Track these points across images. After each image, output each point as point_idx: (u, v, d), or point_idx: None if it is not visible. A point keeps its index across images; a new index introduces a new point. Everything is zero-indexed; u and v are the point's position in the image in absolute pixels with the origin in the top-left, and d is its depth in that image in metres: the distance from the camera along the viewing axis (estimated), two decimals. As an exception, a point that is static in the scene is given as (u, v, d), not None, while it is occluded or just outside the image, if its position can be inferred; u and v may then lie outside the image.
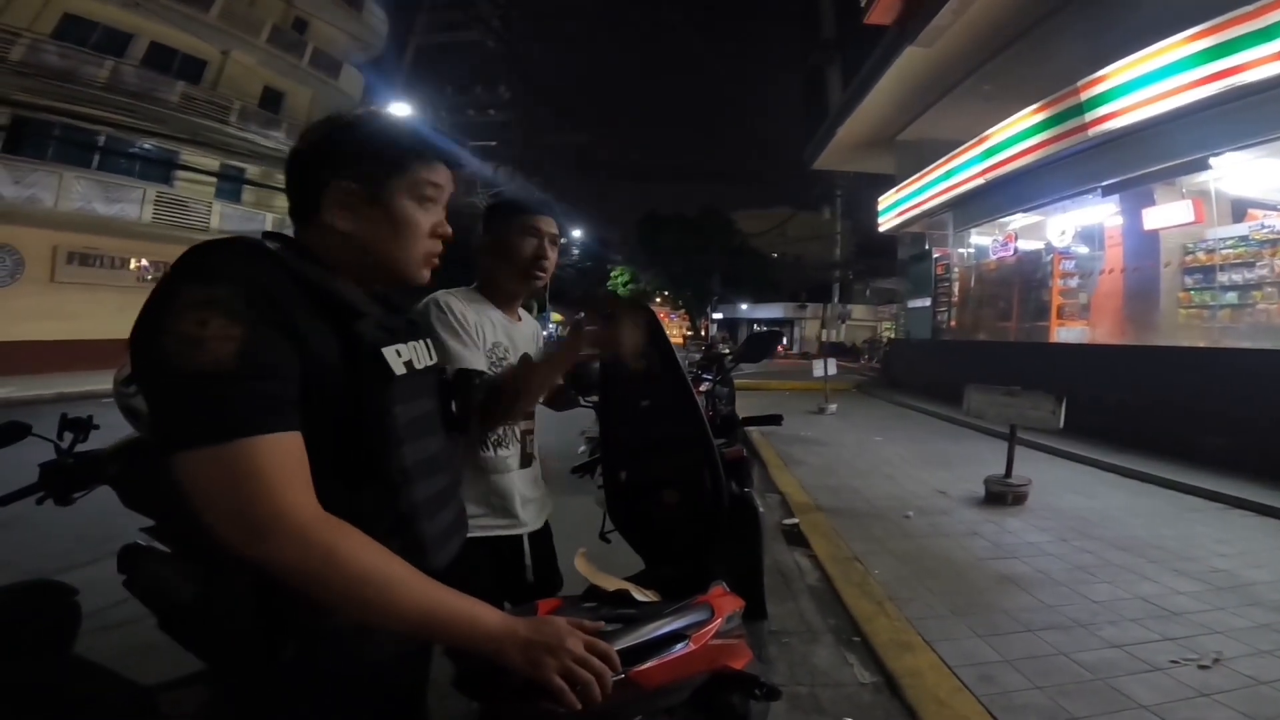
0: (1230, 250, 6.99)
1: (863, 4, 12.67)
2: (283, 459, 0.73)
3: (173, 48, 17.13)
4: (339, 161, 0.91)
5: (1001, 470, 4.83)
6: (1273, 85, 5.75)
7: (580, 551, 1.34)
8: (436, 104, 20.34)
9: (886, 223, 14.78)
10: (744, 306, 45.80)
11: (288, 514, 0.72)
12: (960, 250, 12.76)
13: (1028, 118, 9.05)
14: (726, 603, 1.26)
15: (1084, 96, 7.81)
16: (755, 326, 45.09)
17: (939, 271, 13.15)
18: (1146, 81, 6.90)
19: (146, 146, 15.74)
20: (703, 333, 40.35)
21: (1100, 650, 2.54)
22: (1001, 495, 4.73)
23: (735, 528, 1.94)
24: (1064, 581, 3.27)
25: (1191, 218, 7.31)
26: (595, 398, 1.81)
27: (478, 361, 1.45)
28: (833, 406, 10.12)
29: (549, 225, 1.61)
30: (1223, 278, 7.04)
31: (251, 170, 17.88)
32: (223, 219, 16.70)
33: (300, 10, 20.53)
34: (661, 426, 1.69)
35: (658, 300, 53.40)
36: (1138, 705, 2.15)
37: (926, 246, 14.06)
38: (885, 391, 13.15)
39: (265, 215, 18.03)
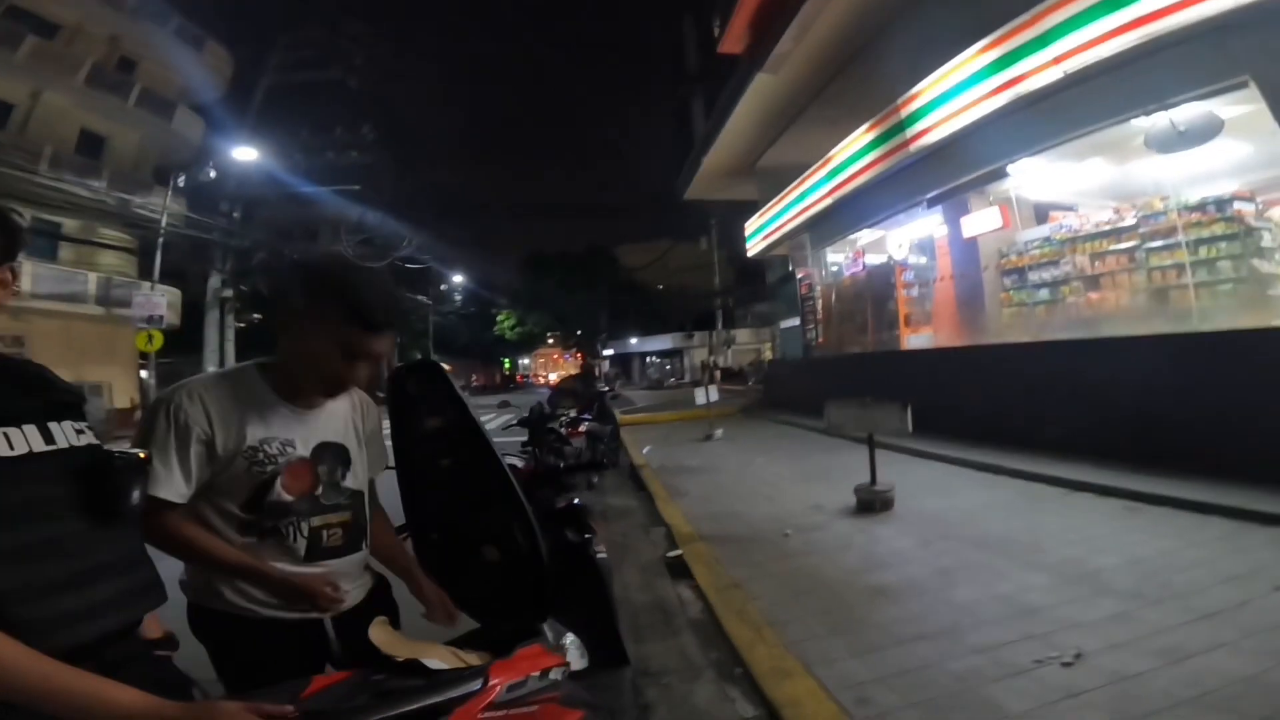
0: (1038, 251, 7.83)
1: (716, 34, 13.38)
2: None
3: None
4: None
5: (866, 478, 5.02)
6: (1053, 91, 6.33)
7: (377, 620, 1.27)
8: (291, 146, 19.11)
9: (754, 247, 15.51)
10: (634, 341, 46.47)
11: None
12: (820, 269, 13.58)
13: (861, 137, 9.80)
14: (528, 664, 1.12)
15: (904, 113, 8.53)
16: (647, 359, 45.91)
17: (803, 291, 13.91)
18: (950, 95, 7.61)
19: None
20: (596, 371, 40.45)
21: (967, 657, 2.56)
22: (870, 503, 4.89)
23: (574, 577, 1.85)
24: (930, 588, 3.34)
25: (1000, 223, 8.09)
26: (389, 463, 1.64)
27: (164, 488, 1.27)
28: (719, 432, 10.28)
29: (385, 345, 1.35)
30: (1034, 276, 7.85)
31: (69, 224, 15.93)
32: (35, 280, 14.62)
33: (127, 50, 18.94)
34: (466, 484, 1.57)
35: (549, 341, 52.99)
36: (1009, 716, 2.15)
37: (790, 268, 14.83)
38: (768, 411, 13.62)
39: (88, 274, 16.03)
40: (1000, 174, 7.68)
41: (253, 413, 1.34)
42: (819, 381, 11.60)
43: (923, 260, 10.39)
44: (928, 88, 8.01)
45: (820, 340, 13.49)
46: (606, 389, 8.24)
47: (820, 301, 13.54)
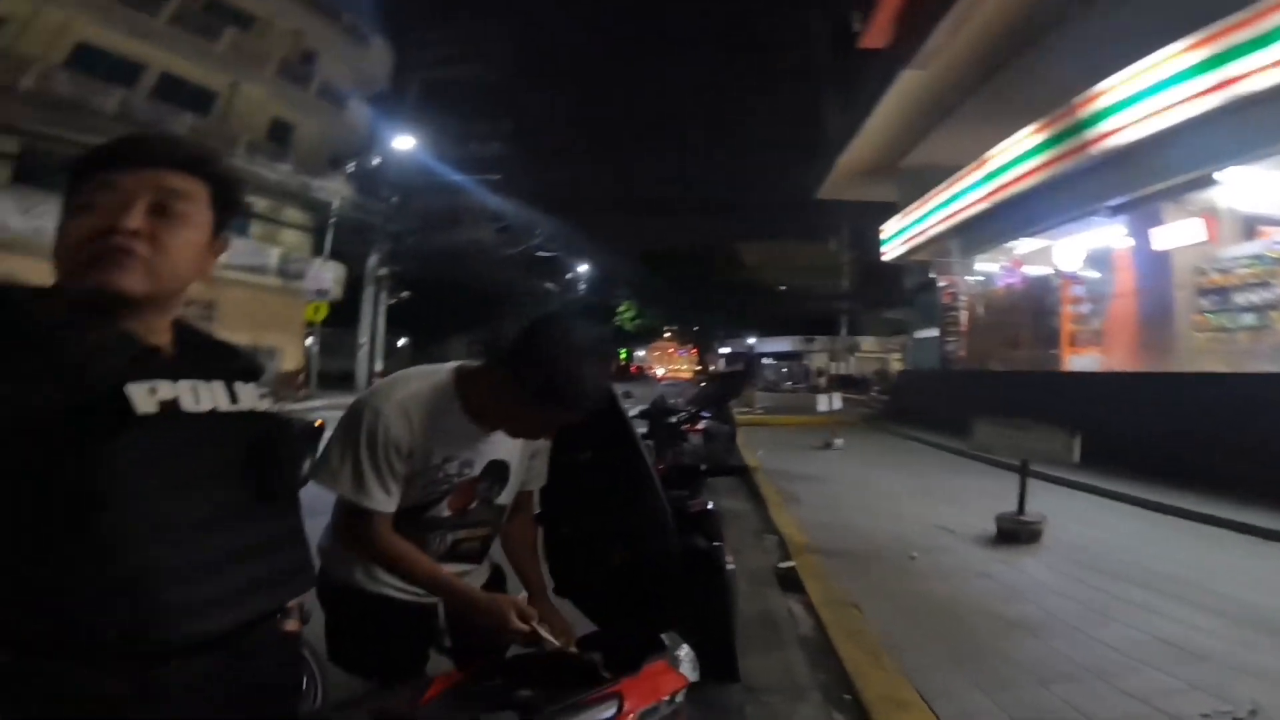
0: (1245, 269, 6.73)
1: (856, 29, 12.76)
2: None
3: (183, 79, 17.55)
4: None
5: (1013, 506, 4.53)
6: (1275, 95, 5.52)
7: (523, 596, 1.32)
8: (441, 137, 20.55)
9: (890, 251, 14.64)
10: (752, 341, 45.69)
11: None
12: (967, 278, 12.56)
13: (1028, 138, 8.91)
14: (656, 685, 1.06)
15: (1081, 114, 7.68)
16: (764, 360, 45.03)
17: (946, 300, 12.93)
18: (1144, 95, 6.74)
19: None
20: (710, 367, 40.19)
21: (1119, 703, 2.24)
22: (1013, 533, 4.41)
23: (699, 586, 1.73)
24: (1078, 625, 2.96)
25: (1203, 236, 7.08)
26: None
27: (374, 500, 1.28)
28: (839, 441, 9.80)
29: (575, 417, 1.32)
30: (1239, 298, 6.77)
31: (260, 204, 18.10)
32: (230, 253, 16.78)
33: (308, 43, 20.91)
34: (604, 480, 1.53)
35: (666, 335, 53.43)
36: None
37: (930, 275, 13.88)
38: (893, 424, 12.82)
39: (271, 249, 18.16)
40: (1206, 182, 6.68)
41: (444, 431, 1.35)
42: (956, 397, 10.74)
43: (1096, 274, 9.30)
44: (1115, 87, 7.14)
45: (961, 353, 12.49)
46: (731, 389, 8.05)
47: (965, 312, 12.54)
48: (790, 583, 3.79)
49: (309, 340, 16.26)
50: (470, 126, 23.27)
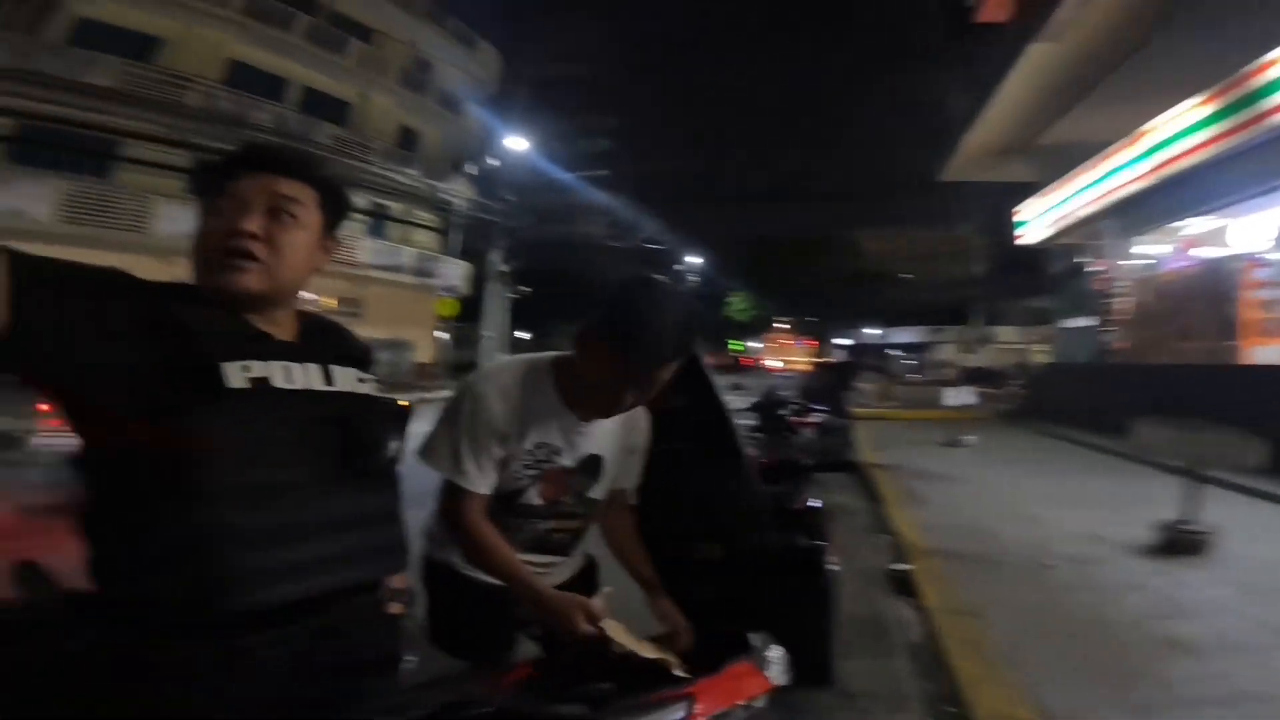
0: None
1: (970, 3, 11.70)
2: None
3: (321, 91, 19.24)
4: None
5: (1176, 513, 3.98)
6: None
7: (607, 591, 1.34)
8: (550, 135, 21.25)
9: (1029, 234, 13.36)
10: (873, 331, 43.54)
11: None
12: (1125, 262, 11.20)
13: (1193, 110, 7.85)
14: (736, 686, 1.06)
15: (1256, 83, 6.66)
16: (886, 352, 42.78)
17: (1099, 287, 11.61)
18: None
19: None
20: (825, 359, 38.85)
21: None
22: (1177, 543, 3.89)
23: (796, 586, 1.69)
24: (1249, 646, 2.59)
25: None
26: None
27: (470, 480, 1.31)
28: (971, 438, 9.08)
29: (668, 373, 1.30)
30: None
31: (394, 208, 19.62)
32: (372, 254, 18.37)
33: (423, 52, 22.12)
34: (696, 472, 1.50)
35: (779, 325, 52.14)
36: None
37: (1077, 260, 12.52)
38: (1034, 420, 11.70)
39: (404, 249, 19.63)
40: None
41: (538, 416, 1.35)
42: (1111, 392, 9.63)
43: (1281, 256, 8.01)
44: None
45: (1120, 344, 11.18)
46: (838, 380, 7.74)
47: (1124, 300, 11.21)
48: (903, 586, 3.56)
49: (441, 334, 17.43)
50: (578, 123, 23.82)
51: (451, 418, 1.34)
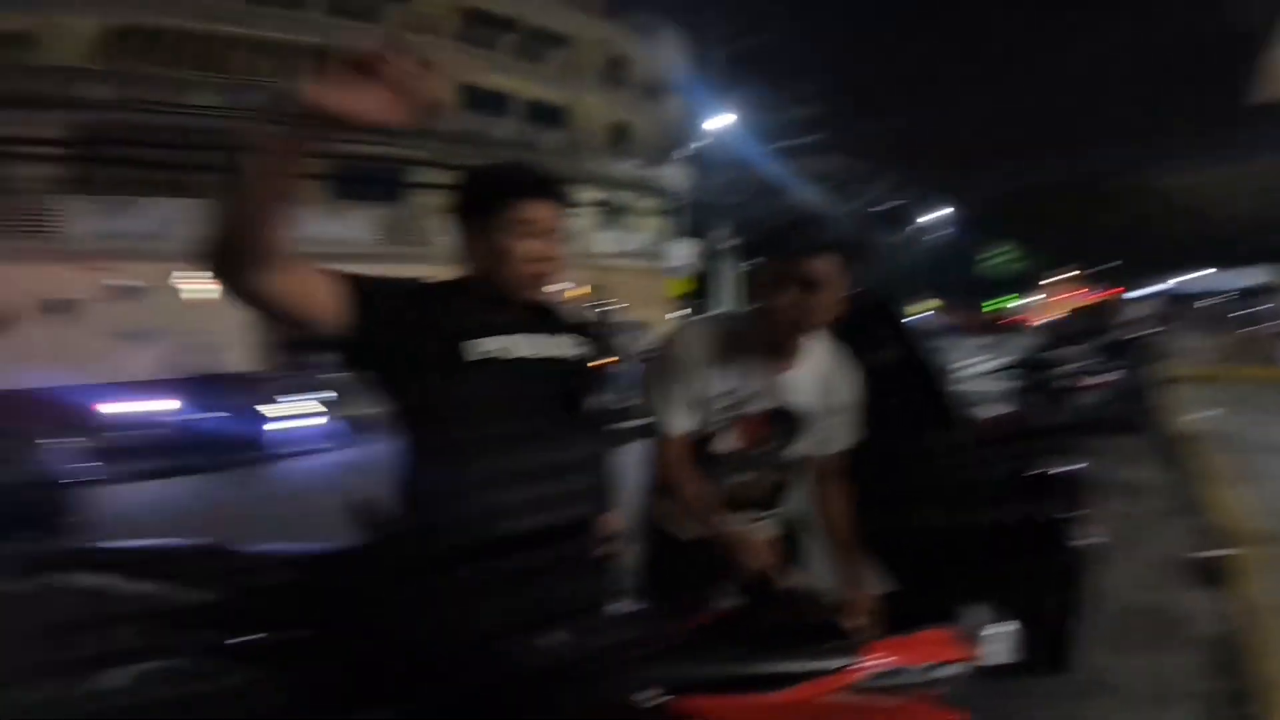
0: None
1: None
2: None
3: (537, 101, 20.92)
4: (459, 207, 1.24)
5: None
6: None
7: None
8: (756, 107, 20.64)
9: None
10: (1185, 277, 35.27)
11: None
12: None
13: None
14: (920, 651, 1.02)
15: None
16: (1198, 302, 34.37)
17: None
18: None
19: None
20: (1113, 310, 32.30)
21: None
22: None
23: (1031, 560, 1.56)
24: None
25: None
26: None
27: (669, 418, 1.42)
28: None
29: (820, 270, 1.33)
30: None
31: (622, 198, 20.87)
32: (609, 244, 19.88)
33: (613, 50, 23.02)
34: (907, 436, 1.46)
35: (1050, 279, 44.71)
36: None
37: None
38: None
39: (637, 235, 20.84)
40: None
41: (731, 361, 1.42)
42: None
43: None
44: None
45: None
46: (1135, 334, 6.54)
47: None
48: (1210, 577, 2.97)
49: (676, 313, 18.29)
50: (788, 91, 22.70)
51: (657, 367, 1.48)
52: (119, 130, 14.55)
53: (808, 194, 19.05)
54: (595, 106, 22.43)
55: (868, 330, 1.53)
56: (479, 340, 1.13)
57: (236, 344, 15.15)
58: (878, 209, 20.41)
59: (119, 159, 14.11)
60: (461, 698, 1.03)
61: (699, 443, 1.44)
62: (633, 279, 19.35)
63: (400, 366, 1.10)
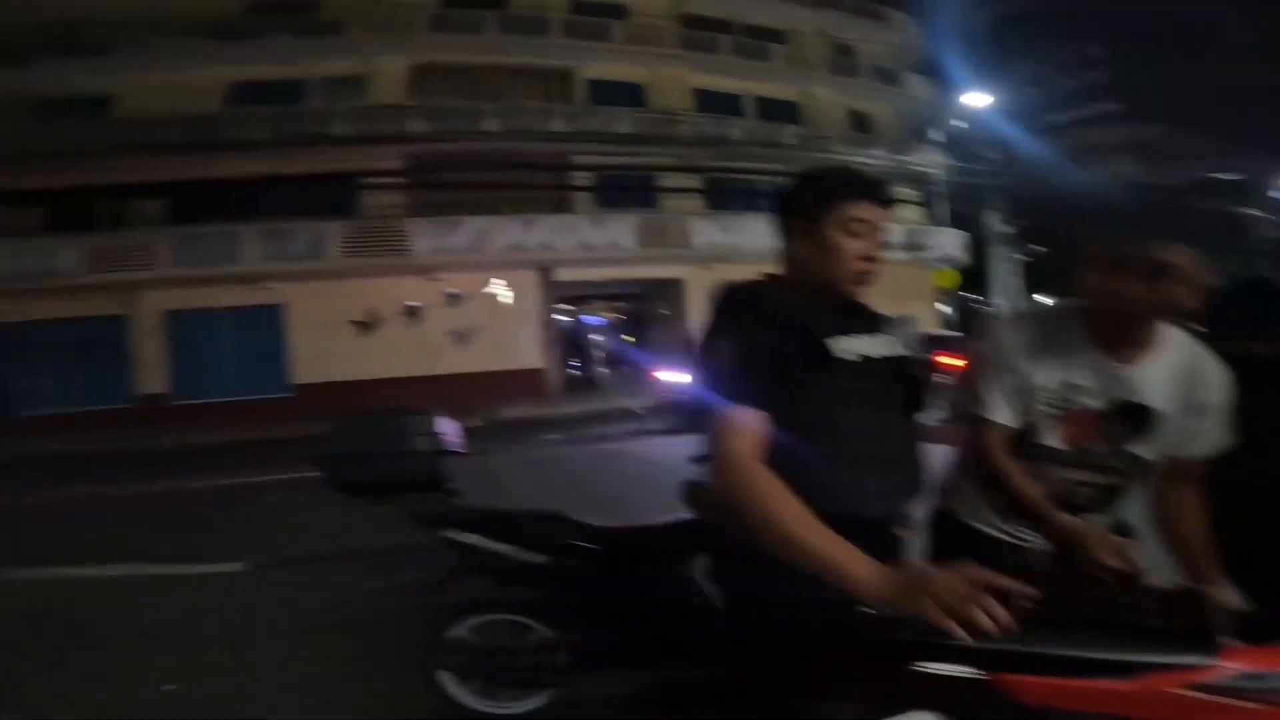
0: None
1: None
2: (740, 424, 1.14)
3: (768, 98, 20.96)
4: (788, 209, 1.30)
5: None
6: None
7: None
8: (1024, 80, 18.92)
9: None
10: None
11: (728, 455, 1.13)
12: None
13: None
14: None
15: None
16: None
17: None
18: None
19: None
20: None
21: None
22: None
23: None
24: None
25: None
26: None
27: (990, 409, 1.41)
28: None
29: (1176, 251, 1.22)
30: None
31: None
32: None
33: (837, 38, 22.42)
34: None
35: None
36: None
37: None
38: None
39: (897, 228, 20.05)
40: None
41: (1061, 353, 1.35)
42: None
43: None
44: None
45: None
46: None
47: None
48: None
49: (944, 306, 17.48)
50: (1056, 60, 20.61)
51: (979, 357, 1.44)
52: (441, 158, 16.75)
53: (1098, 170, 17.26)
54: (827, 98, 22.05)
55: (1248, 320, 1.42)
56: (839, 339, 1.19)
57: (532, 341, 16.86)
58: (1209, 181, 17.86)
59: (444, 184, 16.19)
60: (789, 666, 1.11)
61: (1021, 436, 1.39)
62: (891, 272, 18.72)
63: (766, 363, 1.15)
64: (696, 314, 18.43)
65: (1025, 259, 17.13)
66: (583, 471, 7.23)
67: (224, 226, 14.94)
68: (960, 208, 17.97)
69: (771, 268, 1.35)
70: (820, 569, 1.01)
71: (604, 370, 19.30)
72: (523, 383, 15.75)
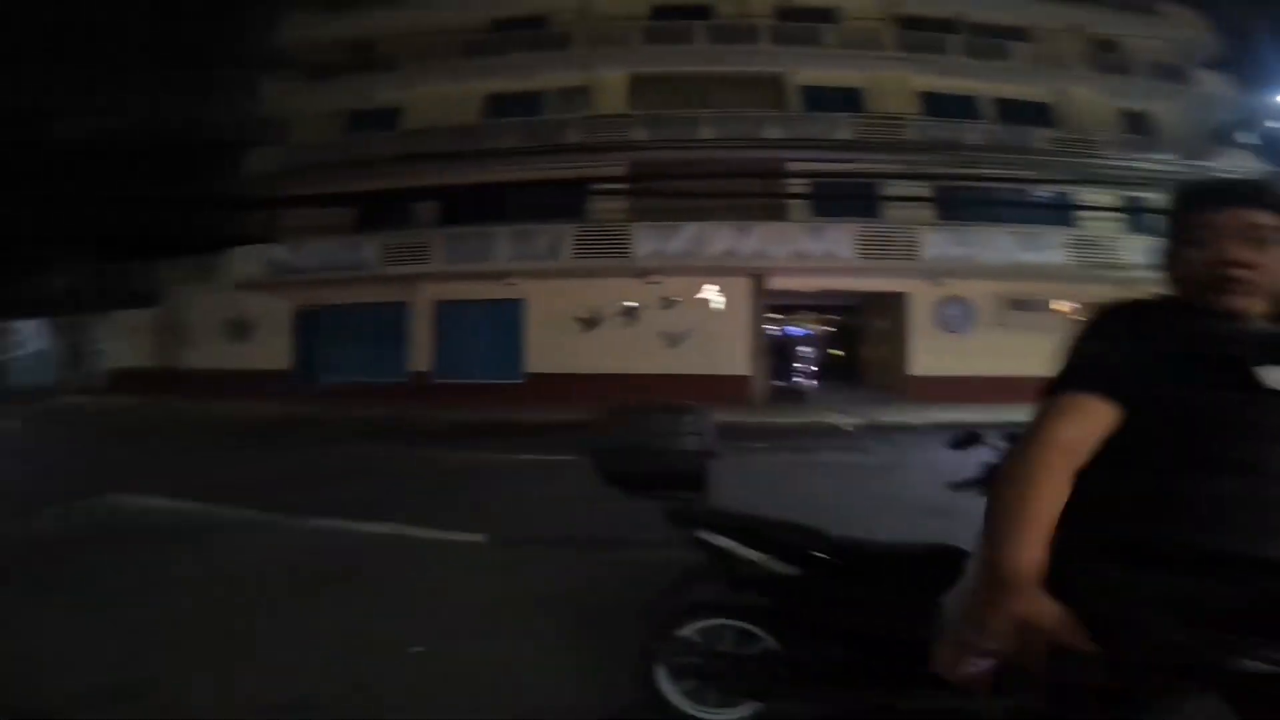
0: None
1: None
2: (1077, 408, 1.13)
3: (1011, 99, 19.08)
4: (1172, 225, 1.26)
5: None
6: None
7: None
8: None
9: None
10: None
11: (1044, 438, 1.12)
12: None
13: None
14: None
15: None
16: None
17: None
18: None
19: (1043, 194, 17.53)
20: None
21: None
22: None
23: None
24: None
25: None
26: None
27: None
28: None
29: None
30: None
31: (1148, 198, 17.25)
32: (1138, 252, 16.50)
33: (1097, 33, 19.98)
34: None
35: None
36: None
37: None
38: None
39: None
40: None
41: None
42: None
43: None
44: None
45: None
46: None
47: None
48: None
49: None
50: None
51: None
52: (658, 166, 17.44)
53: None
54: (1090, 98, 19.26)
55: None
56: (1267, 369, 1.07)
57: (741, 348, 16.84)
58: None
59: (662, 191, 16.80)
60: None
61: None
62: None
63: (1176, 405, 1.08)
64: (918, 328, 17.22)
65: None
66: (788, 482, 7.07)
67: (481, 228, 16.97)
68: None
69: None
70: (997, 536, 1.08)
71: (810, 383, 18.68)
72: (729, 389, 15.75)
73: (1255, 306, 1.15)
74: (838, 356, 19.67)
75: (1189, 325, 1.14)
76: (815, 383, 18.62)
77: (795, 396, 17.65)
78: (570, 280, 16.58)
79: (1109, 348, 1.16)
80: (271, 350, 18.47)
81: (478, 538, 4.74)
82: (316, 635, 3.13)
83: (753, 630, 2.14)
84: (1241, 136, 15.78)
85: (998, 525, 1.10)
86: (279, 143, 20.01)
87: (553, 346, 16.67)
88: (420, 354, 17.67)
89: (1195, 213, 1.20)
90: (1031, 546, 1.06)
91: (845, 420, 13.06)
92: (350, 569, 4.08)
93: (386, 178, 17.49)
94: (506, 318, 17.20)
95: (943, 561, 1.87)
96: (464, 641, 3.04)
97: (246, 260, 17.97)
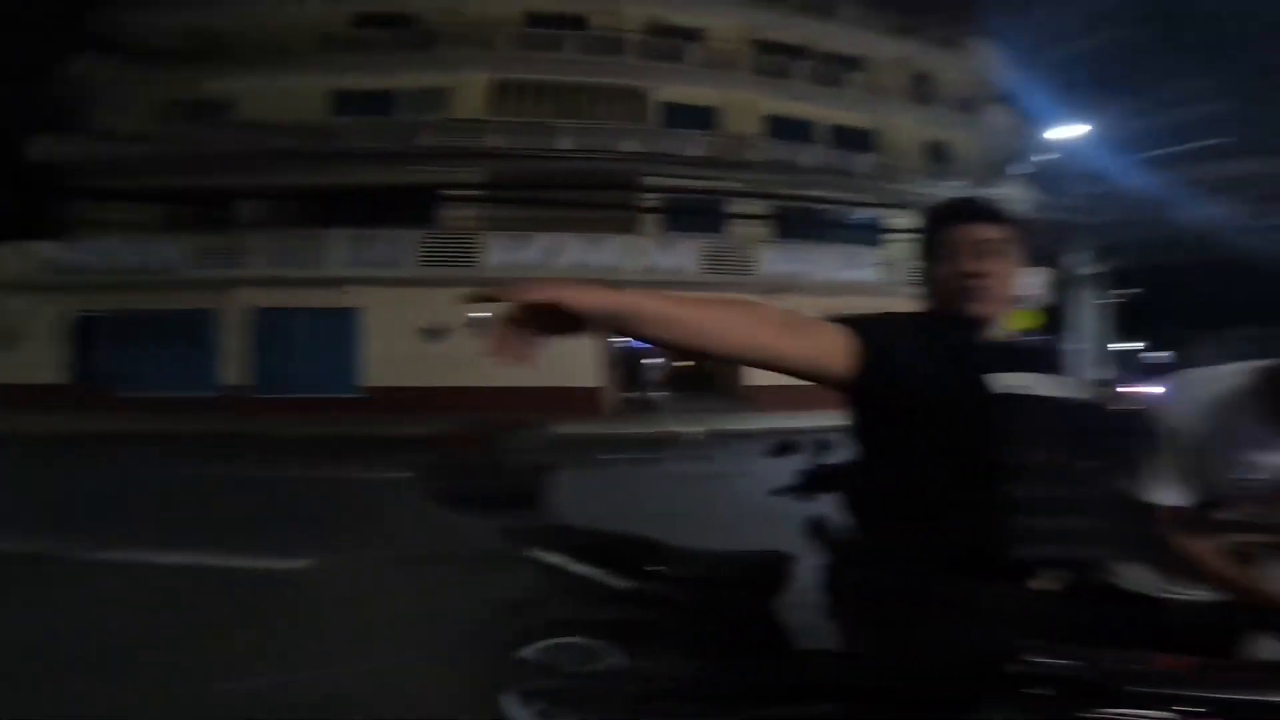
0: None
1: None
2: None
3: (843, 125, 20.93)
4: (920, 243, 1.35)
5: None
6: None
7: None
8: (1120, 111, 17.76)
9: None
10: None
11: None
12: None
13: None
14: None
15: None
16: None
17: None
18: None
19: (861, 216, 19.28)
20: None
21: None
22: None
23: None
24: None
25: None
26: None
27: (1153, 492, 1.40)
28: None
29: None
30: None
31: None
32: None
33: (913, 67, 22.35)
34: None
35: None
36: None
37: None
38: None
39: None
40: None
41: (1234, 434, 1.30)
42: None
43: None
44: None
45: None
46: None
47: None
48: None
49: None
50: (1164, 91, 19.28)
51: (1142, 429, 1.41)
52: (515, 175, 17.36)
53: (1206, 208, 15.97)
54: (905, 127, 21.60)
55: None
56: (1000, 375, 1.13)
57: (591, 360, 16.98)
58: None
59: (516, 200, 16.75)
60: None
61: (1202, 510, 1.36)
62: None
63: (919, 400, 1.11)
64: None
65: (1113, 301, 15.98)
66: (638, 492, 7.21)
67: (312, 231, 16.01)
68: (1045, 244, 17.01)
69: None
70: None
71: (660, 393, 19.23)
72: (580, 401, 15.90)
73: (994, 311, 1.24)
74: (685, 366, 20.41)
75: (930, 333, 1.18)
76: (665, 393, 19.18)
77: (645, 407, 18.10)
78: (415, 289, 16.03)
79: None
80: (40, 360, 16.40)
81: (300, 563, 4.40)
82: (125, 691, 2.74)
83: (597, 647, 2.06)
84: (1017, 167, 18.19)
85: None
86: (82, 130, 17.77)
87: (394, 358, 16.00)
88: (234, 365, 16.42)
89: (936, 230, 1.30)
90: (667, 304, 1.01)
91: (691, 429, 13.48)
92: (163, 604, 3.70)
93: (206, 174, 16.06)
94: (340, 328, 16.25)
95: (772, 568, 1.88)
96: (305, 671, 2.86)
97: (11, 257, 15.88)
